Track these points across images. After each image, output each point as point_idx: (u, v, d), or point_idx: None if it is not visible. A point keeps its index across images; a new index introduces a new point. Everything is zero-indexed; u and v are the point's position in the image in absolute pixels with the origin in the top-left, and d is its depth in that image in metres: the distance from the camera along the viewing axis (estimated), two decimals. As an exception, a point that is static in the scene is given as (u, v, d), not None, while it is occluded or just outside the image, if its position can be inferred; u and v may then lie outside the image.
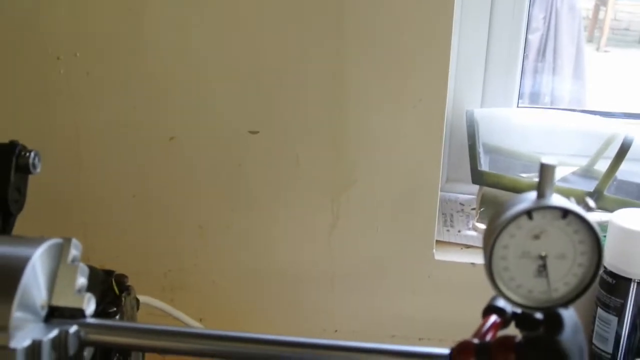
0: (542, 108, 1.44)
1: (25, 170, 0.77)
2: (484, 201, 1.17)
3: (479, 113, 1.24)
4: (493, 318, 0.53)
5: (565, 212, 0.51)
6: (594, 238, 0.52)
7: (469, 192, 1.29)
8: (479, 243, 1.17)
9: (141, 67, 1.09)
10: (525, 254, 0.52)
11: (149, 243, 1.18)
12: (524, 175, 1.20)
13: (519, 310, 0.54)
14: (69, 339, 0.55)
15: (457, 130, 1.27)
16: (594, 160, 1.23)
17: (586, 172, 1.23)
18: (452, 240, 1.17)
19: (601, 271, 0.52)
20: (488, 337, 0.52)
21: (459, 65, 1.25)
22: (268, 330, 1.14)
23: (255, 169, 1.11)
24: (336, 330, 1.17)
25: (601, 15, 5.47)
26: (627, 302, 1.00)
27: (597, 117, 1.31)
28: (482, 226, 1.19)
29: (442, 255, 1.12)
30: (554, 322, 0.50)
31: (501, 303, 0.55)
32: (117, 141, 1.13)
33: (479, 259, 1.13)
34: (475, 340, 0.51)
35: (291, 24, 1.03)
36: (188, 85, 1.09)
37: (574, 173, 1.23)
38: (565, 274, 0.52)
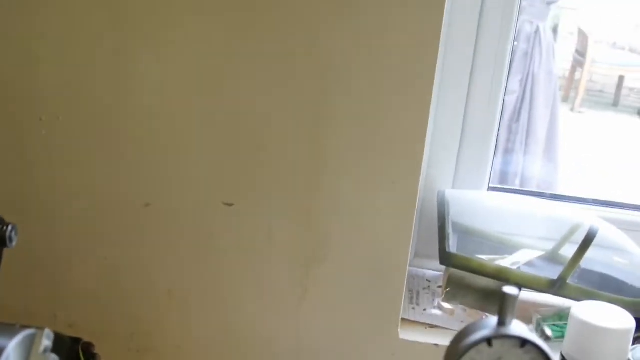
0: (511, 191, 1.47)
1: (1, 243, 0.79)
2: (450, 282, 1.19)
3: (450, 194, 1.27)
4: None
5: (524, 342, 0.53)
6: (549, 367, 0.54)
7: (436, 269, 1.31)
8: (444, 323, 1.19)
9: (122, 133, 1.11)
10: (484, 378, 0.54)
11: (118, 304, 1.19)
12: (492, 257, 1.23)
13: None
14: None
15: (428, 207, 1.30)
16: (559, 246, 1.25)
17: (552, 257, 1.25)
18: (417, 319, 1.19)
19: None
20: None
21: (433, 144, 1.28)
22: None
23: (228, 239, 1.13)
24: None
25: (577, 76, 5.59)
26: (583, 394, 1.02)
27: (565, 204, 1.34)
28: (448, 306, 1.21)
29: (407, 335, 1.14)
30: None
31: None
32: (92, 204, 1.14)
33: (442, 339, 1.15)
34: None
35: (273, 100, 1.06)
36: (168, 153, 1.11)
37: (539, 257, 1.25)
38: (521, 400, 0.54)
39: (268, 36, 1.03)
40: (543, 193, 1.42)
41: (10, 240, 0.79)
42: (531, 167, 3.01)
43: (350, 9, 1.01)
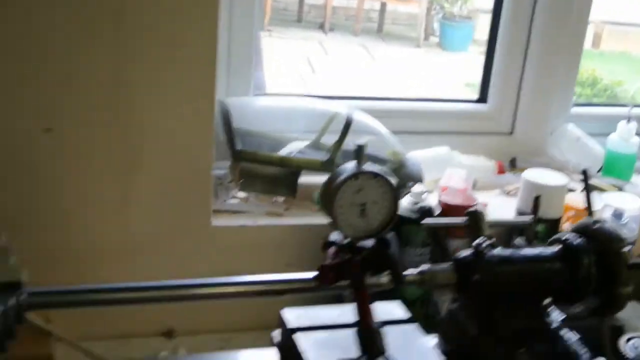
0: (278, 95, 1.72)
1: None
2: (242, 174, 1.42)
3: (230, 101, 1.49)
4: (333, 248, 0.80)
5: (376, 175, 0.78)
6: (392, 190, 0.80)
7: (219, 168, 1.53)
8: (241, 208, 1.42)
9: None
10: (353, 203, 0.79)
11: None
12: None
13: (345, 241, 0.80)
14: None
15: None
16: (320, 136, 1.52)
17: (315, 145, 1.52)
18: (220, 208, 1.41)
19: (398, 211, 0.81)
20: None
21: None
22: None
23: (51, 163, 1.25)
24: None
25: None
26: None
27: (321, 100, 1.62)
28: (244, 195, 1.44)
29: (218, 222, 1.36)
30: (383, 243, 0.78)
31: (334, 237, 0.81)
32: None
33: (245, 221, 1.39)
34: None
35: (81, 35, 1.21)
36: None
37: (307, 146, 1.52)
38: (376, 214, 0.79)
39: None
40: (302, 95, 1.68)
41: None
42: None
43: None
